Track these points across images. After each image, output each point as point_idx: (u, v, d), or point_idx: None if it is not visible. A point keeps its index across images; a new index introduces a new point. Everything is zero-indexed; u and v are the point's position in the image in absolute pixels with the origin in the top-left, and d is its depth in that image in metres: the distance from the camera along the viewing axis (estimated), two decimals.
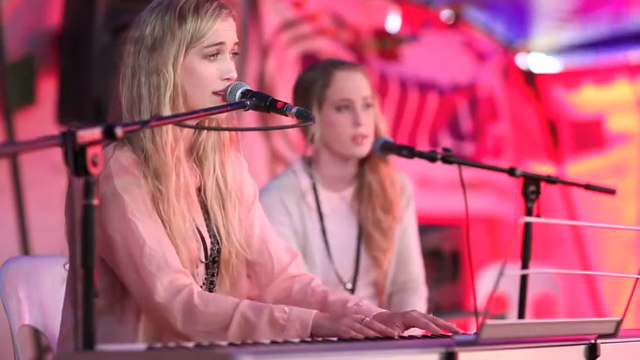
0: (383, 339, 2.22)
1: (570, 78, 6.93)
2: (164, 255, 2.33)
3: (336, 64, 3.44)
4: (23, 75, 4.65)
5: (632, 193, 6.54)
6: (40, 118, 4.63)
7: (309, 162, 3.46)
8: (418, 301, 3.47)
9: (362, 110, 3.35)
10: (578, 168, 6.86)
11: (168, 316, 2.31)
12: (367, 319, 2.26)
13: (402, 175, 3.51)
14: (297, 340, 2.16)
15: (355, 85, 3.37)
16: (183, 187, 2.42)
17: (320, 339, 2.19)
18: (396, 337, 2.25)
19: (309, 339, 2.18)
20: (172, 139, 2.40)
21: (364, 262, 3.46)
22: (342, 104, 3.35)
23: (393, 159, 3.46)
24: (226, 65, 2.43)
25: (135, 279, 2.33)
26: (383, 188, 3.42)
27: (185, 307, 2.31)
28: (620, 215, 6.57)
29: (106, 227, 2.33)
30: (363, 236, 3.46)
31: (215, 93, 2.42)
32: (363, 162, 3.44)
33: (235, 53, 2.47)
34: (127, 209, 2.33)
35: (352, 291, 3.43)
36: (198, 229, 2.47)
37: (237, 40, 2.47)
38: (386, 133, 3.42)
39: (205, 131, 2.50)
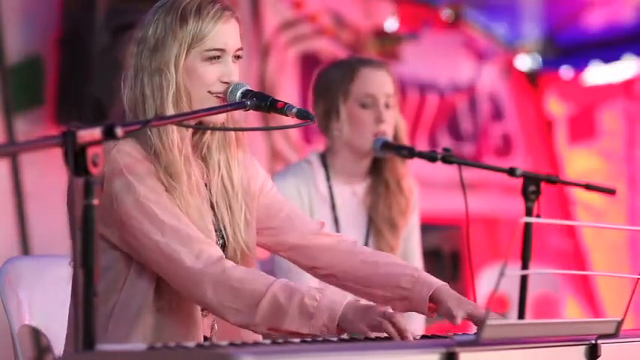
0: (383, 339, 2.22)
1: (569, 78, 6.94)
2: (185, 230, 2.33)
3: (362, 61, 3.48)
4: (29, 76, 4.64)
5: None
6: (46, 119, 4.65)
7: (324, 155, 3.47)
8: None
9: (384, 108, 3.37)
10: (576, 168, 6.89)
11: (199, 285, 2.31)
12: (389, 311, 2.25)
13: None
14: (297, 340, 2.16)
15: (380, 82, 3.40)
16: (195, 186, 2.43)
17: (320, 339, 2.19)
18: (410, 339, 2.24)
19: (309, 339, 2.18)
20: (179, 139, 2.41)
21: None
22: (366, 100, 3.38)
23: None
24: (227, 68, 2.44)
25: (159, 257, 2.32)
26: (400, 188, 3.44)
27: (217, 281, 2.30)
28: (609, 221, 6.62)
29: (122, 216, 2.33)
30: (371, 232, 3.47)
31: (215, 95, 2.43)
32: (378, 160, 3.45)
33: (238, 57, 2.47)
34: (140, 194, 2.33)
35: None
36: (207, 227, 2.47)
37: (239, 44, 2.47)
38: (405, 136, 3.44)
39: (209, 131, 2.50)
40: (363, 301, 2.40)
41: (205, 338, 2.46)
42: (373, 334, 2.24)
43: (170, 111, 2.39)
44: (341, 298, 2.30)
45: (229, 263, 2.34)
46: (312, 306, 2.26)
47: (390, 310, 2.26)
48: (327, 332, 2.26)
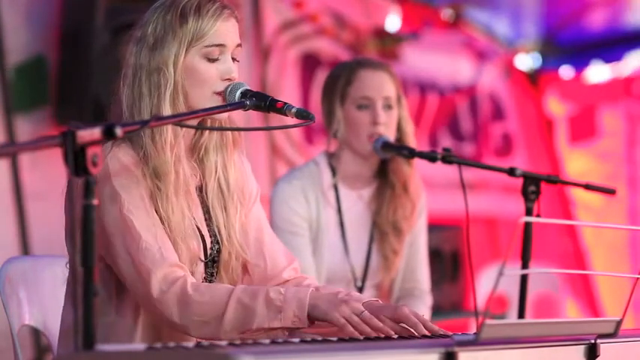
0: (383, 339, 2.22)
1: (570, 78, 6.95)
2: (160, 249, 2.34)
3: (362, 63, 3.47)
4: (34, 75, 4.64)
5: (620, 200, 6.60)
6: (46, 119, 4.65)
7: (331, 157, 3.47)
8: (423, 307, 3.47)
9: (382, 110, 3.36)
10: (576, 168, 6.90)
11: (164, 308, 2.32)
12: (366, 312, 2.26)
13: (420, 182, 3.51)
14: (297, 340, 2.16)
15: (377, 83, 3.38)
16: (182, 185, 2.43)
17: (320, 339, 2.19)
18: (394, 337, 2.24)
19: (308, 339, 2.18)
20: (172, 138, 2.41)
21: (374, 262, 3.46)
22: (362, 102, 3.37)
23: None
24: (227, 66, 2.44)
25: (132, 274, 2.34)
26: (406, 191, 3.43)
27: (180, 299, 2.31)
28: (609, 221, 6.63)
29: (105, 225, 2.34)
30: (375, 237, 3.47)
31: (215, 93, 2.43)
32: (385, 162, 3.44)
33: (235, 59, 2.47)
34: (124, 206, 2.34)
35: (361, 289, 3.43)
36: (198, 227, 2.47)
37: (239, 41, 2.48)
38: (412, 139, 3.42)
39: (207, 132, 2.50)
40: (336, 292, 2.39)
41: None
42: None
43: (167, 110, 2.39)
44: (305, 289, 2.31)
45: (190, 280, 2.34)
46: (279, 299, 2.27)
47: (367, 312, 2.26)
48: (299, 323, 2.26)
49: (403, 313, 2.31)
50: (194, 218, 2.47)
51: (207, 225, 2.51)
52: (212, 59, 2.43)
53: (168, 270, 2.33)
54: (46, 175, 4.47)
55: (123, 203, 2.34)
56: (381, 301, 2.41)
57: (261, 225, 2.66)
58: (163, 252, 2.34)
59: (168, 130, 2.40)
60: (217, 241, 2.51)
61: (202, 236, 2.48)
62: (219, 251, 2.51)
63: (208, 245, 2.49)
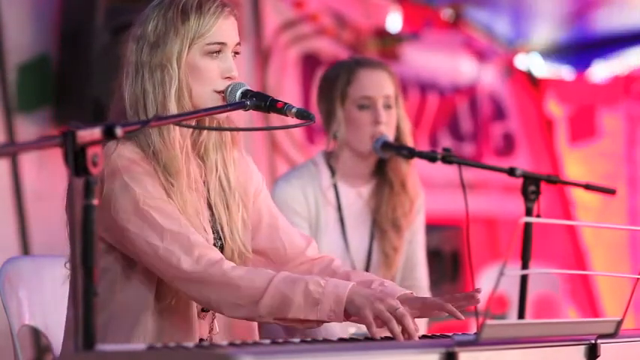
0: (383, 339, 2.22)
1: (570, 78, 6.95)
2: (186, 235, 2.33)
3: (360, 62, 3.46)
4: (37, 74, 4.64)
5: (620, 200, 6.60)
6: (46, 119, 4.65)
7: (330, 156, 3.46)
8: None
9: (383, 109, 3.35)
10: (576, 168, 6.90)
11: (202, 288, 2.31)
12: (401, 309, 2.23)
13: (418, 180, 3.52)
14: (297, 340, 2.16)
15: (377, 83, 3.38)
16: (193, 181, 2.43)
17: (320, 338, 2.19)
18: (416, 338, 2.23)
19: (309, 339, 2.18)
20: (179, 135, 2.41)
21: (374, 260, 3.46)
22: (363, 102, 3.37)
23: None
24: (228, 64, 2.44)
25: (159, 262, 2.32)
26: (405, 188, 3.43)
27: (219, 281, 2.30)
28: (609, 221, 6.63)
29: (119, 220, 2.33)
30: (375, 234, 3.47)
31: (216, 92, 2.43)
32: (383, 160, 3.44)
33: (237, 53, 2.48)
34: (140, 200, 2.33)
35: None
36: (202, 224, 2.47)
37: (238, 40, 2.49)
38: (409, 137, 3.42)
39: (206, 131, 2.50)
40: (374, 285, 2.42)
41: (202, 340, 2.46)
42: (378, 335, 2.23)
43: (172, 106, 2.40)
44: (345, 283, 2.30)
45: (229, 264, 2.35)
46: (318, 292, 2.26)
47: (402, 309, 2.24)
48: (335, 317, 2.26)
49: (430, 299, 2.41)
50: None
51: (211, 222, 2.51)
52: (213, 56, 2.43)
53: (201, 251, 2.32)
54: (46, 175, 4.47)
55: (139, 197, 2.33)
56: (414, 294, 2.45)
57: (273, 211, 2.67)
58: (190, 237, 2.33)
59: (175, 127, 2.41)
60: (220, 237, 2.51)
61: (206, 233, 2.48)
62: (221, 248, 2.51)
63: (210, 242, 2.49)
